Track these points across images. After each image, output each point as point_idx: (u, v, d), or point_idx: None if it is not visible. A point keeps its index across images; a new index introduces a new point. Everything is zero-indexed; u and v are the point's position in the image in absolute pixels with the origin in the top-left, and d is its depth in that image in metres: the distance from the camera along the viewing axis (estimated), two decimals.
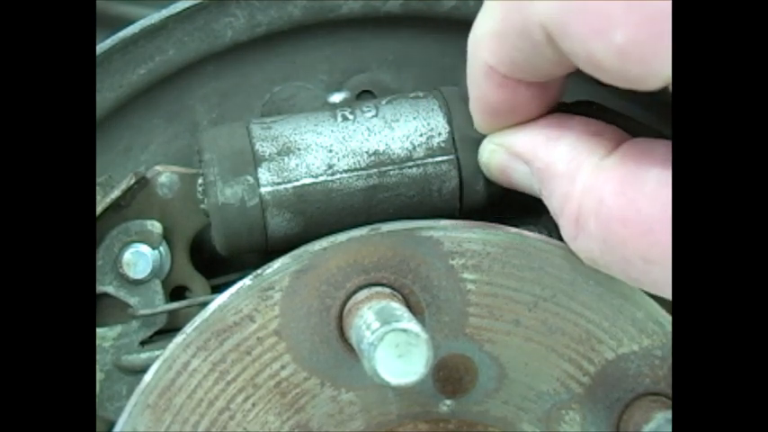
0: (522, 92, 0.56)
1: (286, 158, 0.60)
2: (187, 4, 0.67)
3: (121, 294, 0.63)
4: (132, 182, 0.62)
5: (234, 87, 0.70)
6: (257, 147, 0.60)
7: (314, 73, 0.70)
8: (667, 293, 0.51)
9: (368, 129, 0.61)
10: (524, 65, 0.54)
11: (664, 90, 0.48)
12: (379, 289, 0.56)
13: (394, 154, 0.60)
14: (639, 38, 0.46)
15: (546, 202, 0.57)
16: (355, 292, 0.57)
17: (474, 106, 0.59)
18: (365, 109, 0.62)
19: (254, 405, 0.57)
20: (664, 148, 0.52)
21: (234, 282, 0.57)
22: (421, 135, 0.61)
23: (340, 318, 0.57)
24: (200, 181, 0.62)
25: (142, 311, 0.63)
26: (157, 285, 0.64)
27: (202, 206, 0.62)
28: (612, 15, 0.46)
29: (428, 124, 0.61)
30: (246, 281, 0.57)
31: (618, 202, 0.51)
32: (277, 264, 0.57)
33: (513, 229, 0.58)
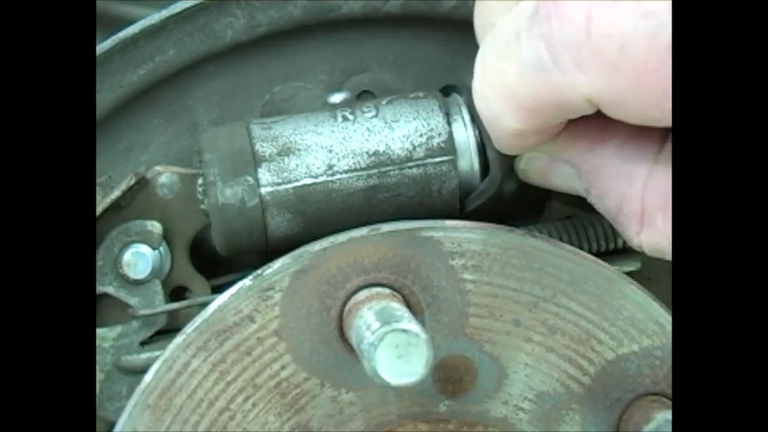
0: (554, 129, 0.56)
1: (286, 159, 0.60)
2: (187, 4, 0.67)
3: (121, 295, 0.63)
4: (132, 182, 0.62)
5: (234, 87, 0.70)
6: (257, 147, 0.60)
7: (314, 73, 0.70)
8: None
9: (368, 129, 0.61)
10: (561, 121, 0.54)
11: None
12: (379, 289, 0.56)
13: (394, 154, 0.60)
14: None
15: (594, 200, 0.57)
16: (355, 292, 0.57)
17: (504, 148, 0.58)
18: (365, 109, 0.62)
19: (254, 405, 0.57)
20: None
21: (234, 282, 0.57)
22: (421, 135, 0.61)
23: (340, 318, 0.57)
24: (200, 181, 0.62)
25: (142, 312, 0.63)
26: (157, 286, 0.64)
27: (202, 206, 0.62)
28: (670, 88, 0.46)
29: (428, 124, 0.61)
30: (246, 281, 0.57)
31: None
32: (277, 264, 0.57)
33: (513, 229, 0.58)
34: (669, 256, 0.55)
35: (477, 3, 0.59)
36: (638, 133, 0.55)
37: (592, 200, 0.57)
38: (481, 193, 0.61)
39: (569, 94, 0.50)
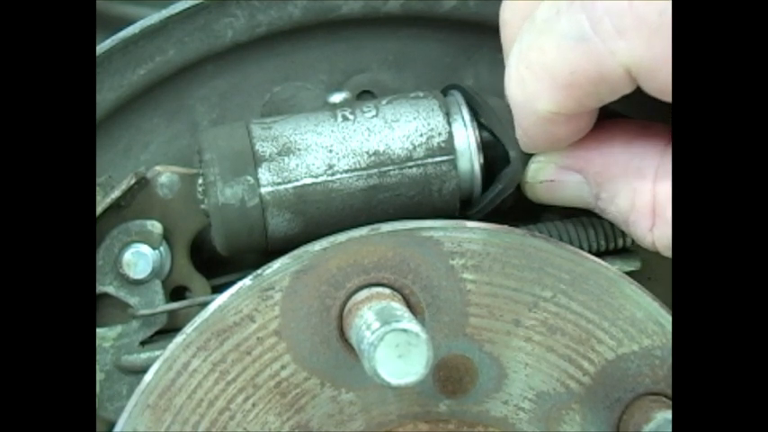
0: (586, 117, 0.56)
1: (286, 158, 0.60)
2: (187, 4, 0.67)
3: (122, 294, 0.63)
4: (132, 182, 0.62)
5: (234, 87, 0.70)
6: (257, 147, 0.60)
7: (314, 73, 0.70)
8: None
9: (368, 129, 0.61)
10: (595, 103, 0.54)
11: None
12: (379, 289, 0.56)
13: (394, 154, 0.60)
14: None
15: (604, 205, 0.57)
16: (355, 292, 0.57)
17: (532, 143, 0.58)
18: (365, 109, 0.62)
19: (254, 405, 0.57)
20: None
21: (234, 282, 0.57)
22: (421, 135, 0.61)
23: (340, 318, 0.57)
24: (200, 181, 0.62)
25: (142, 312, 0.63)
26: (157, 285, 0.64)
27: (202, 206, 0.62)
28: None
29: (428, 124, 0.61)
30: (246, 281, 0.57)
31: None
32: (277, 264, 0.57)
33: (514, 229, 0.58)
34: None
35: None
36: (644, 129, 0.56)
37: (602, 205, 0.58)
38: (500, 191, 0.61)
39: (608, 64, 0.50)
